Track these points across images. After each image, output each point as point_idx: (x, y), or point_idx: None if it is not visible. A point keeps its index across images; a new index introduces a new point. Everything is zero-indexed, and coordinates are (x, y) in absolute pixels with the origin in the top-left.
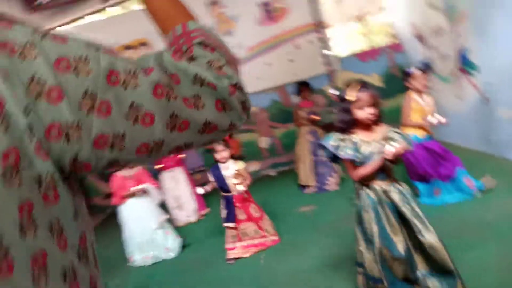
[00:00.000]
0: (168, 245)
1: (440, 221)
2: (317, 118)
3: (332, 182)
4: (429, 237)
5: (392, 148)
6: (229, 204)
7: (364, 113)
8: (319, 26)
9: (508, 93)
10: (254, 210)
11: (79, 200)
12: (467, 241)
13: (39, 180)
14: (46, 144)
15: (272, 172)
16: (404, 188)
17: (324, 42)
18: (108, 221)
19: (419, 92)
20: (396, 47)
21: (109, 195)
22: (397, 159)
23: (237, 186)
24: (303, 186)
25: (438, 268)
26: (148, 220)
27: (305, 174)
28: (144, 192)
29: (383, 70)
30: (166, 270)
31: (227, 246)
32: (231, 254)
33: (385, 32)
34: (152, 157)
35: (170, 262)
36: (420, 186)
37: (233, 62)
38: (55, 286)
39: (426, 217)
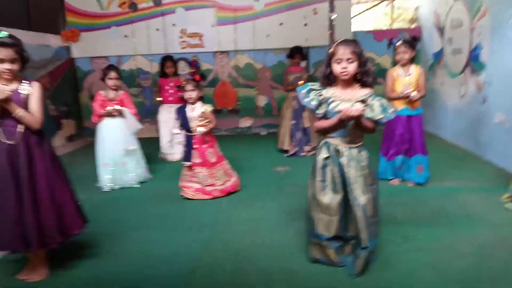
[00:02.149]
0: (136, 174)
1: (401, 199)
2: (302, 82)
3: (306, 150)
4: (360, 204)
5: (345, 109)
6: (189, 144)
7: (338, 67)
8: None
9: (505, 97)
10: (210, 155)
11: None
12: (419, 222)
13: None
14: None
15: (263, 131)
16: (361, 155)
17: (332, 9)
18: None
19: (402, 64)
20: (414, 33)
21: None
22: (361, 125)
23: (198, 128)
24: (282, 150)
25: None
26: (120, 144)
27: (283, 139)
28: (121, 114)
29: None
30: (132, 195)
31: (180, 184)
32: (185, 193)
33: (408, 16)
34: None
35: (138, 189)
36: (382, 162)
37: None
38: None
39: (370, 190)
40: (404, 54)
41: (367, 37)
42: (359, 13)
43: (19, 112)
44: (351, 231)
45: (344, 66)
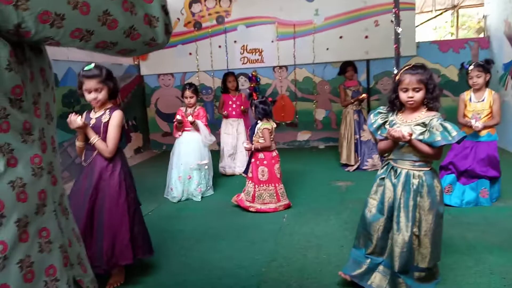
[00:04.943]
0: (200, 188)
1: (471, 219)
2: (365, 96)
3: (370, 164)
4: (400, 236)
5: (389, 129)
6: (249, 157)
7: (404, 96)
8: (399, 6)
9: None
10: (262, 173)
11: (35, 62)
12: (492, 244)
13: None
14: None
15: (321, 145)
16: (423, 180)
17: (398, 23)
18: (162, 156)
19: (476, 89)
20: (483, 43)
21: (166, 134)
22: (418, 148)
23: (244, 143)
24: (345, 165)
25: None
26: (191, 158)
27: (347, 154)
28: (196, 127)
29: None
30: (197, 207)
31: (243, 204)
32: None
33: (476, 25)
34: (81, 44)
35: (202, 202)
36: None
37: None
38: None
39: (424, 220)
40: (478, 78)
41: (432, 47)
42: (422, 23)
43: (93, 140)
44: (386, 256)
45: (411, 96)
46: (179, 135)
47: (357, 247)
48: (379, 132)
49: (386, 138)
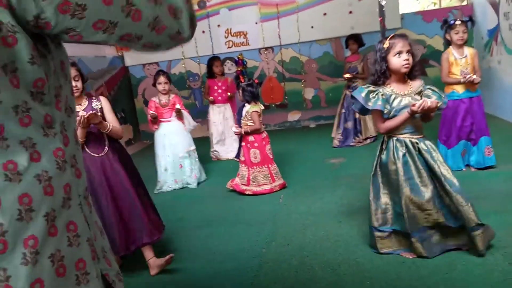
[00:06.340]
0: (194, 174)
1: (465, 186)
2: (349, 76)
3: (356, 140)
4: (458, 194)
5: (422, 102)
6: (239, 141)
7: (399, 60)
8: None
9: None
10: (254, 155)
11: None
12: (488, 208)
13: None
14: None
15: (312, 124)
16: (431, 143)
17: None
18: (153, 146)
19: (457, 45)
20: (466, 10)
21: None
22: (428, 115)
23: (232, 128)
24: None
25: (458, 218)
26: (178, 148)
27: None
28: (178, 115)
29: None
30: (192, 195)
31: (238, 188)
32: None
33: None
34: (104, 36)
35: (197, 189)
36: (442, 150)
37: None
38: (7, 117)
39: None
40: (464, 34)
41: (416, 18)
42: None
43: (110, 126)
44: (459, 218)
45: (406, 58)
46: (156, 128)
47: (418, 228)
48: (386, 111)
49: (389, 117)
